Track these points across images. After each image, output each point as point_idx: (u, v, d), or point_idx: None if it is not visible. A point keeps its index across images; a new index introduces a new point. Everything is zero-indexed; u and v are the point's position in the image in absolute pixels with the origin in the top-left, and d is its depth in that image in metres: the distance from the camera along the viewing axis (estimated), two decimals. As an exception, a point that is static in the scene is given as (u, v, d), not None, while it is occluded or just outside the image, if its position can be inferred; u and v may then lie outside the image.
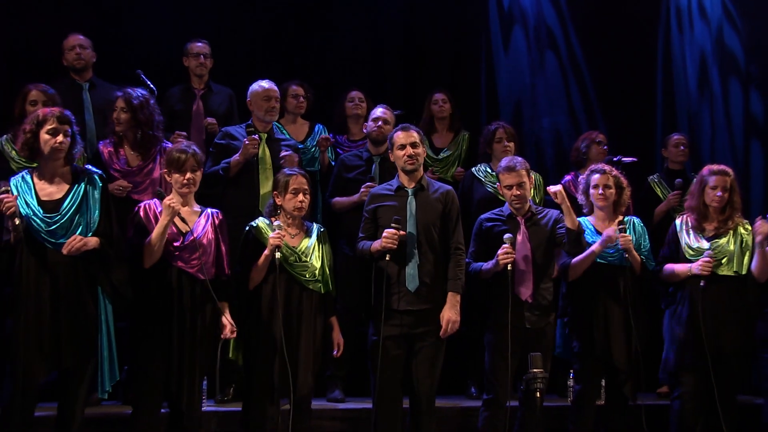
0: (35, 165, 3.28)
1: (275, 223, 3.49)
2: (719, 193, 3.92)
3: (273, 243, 3.40)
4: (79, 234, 3.14)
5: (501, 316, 3.69)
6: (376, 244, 3.54)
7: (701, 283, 3.91)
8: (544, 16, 6.11)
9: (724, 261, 3.91)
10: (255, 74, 4.47)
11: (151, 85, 4.33)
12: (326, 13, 5.68)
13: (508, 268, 3.63)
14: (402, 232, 3.50)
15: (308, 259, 3.54)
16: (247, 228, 3.58)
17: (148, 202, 3.45)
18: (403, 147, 3.65)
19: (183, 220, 3.28)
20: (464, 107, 5.41)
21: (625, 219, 3.98)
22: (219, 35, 5.14)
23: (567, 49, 6.11)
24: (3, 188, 3.07)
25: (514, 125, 5.13)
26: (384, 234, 3.49)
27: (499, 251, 3.63)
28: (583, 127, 5.72)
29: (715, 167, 4.08)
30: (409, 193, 3.65)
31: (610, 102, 6.07)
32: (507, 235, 3.67)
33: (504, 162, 3.90)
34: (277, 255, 3.38)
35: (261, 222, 3.56)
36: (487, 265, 3.72)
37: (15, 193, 3.15)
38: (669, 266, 3.99)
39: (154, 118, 3.90)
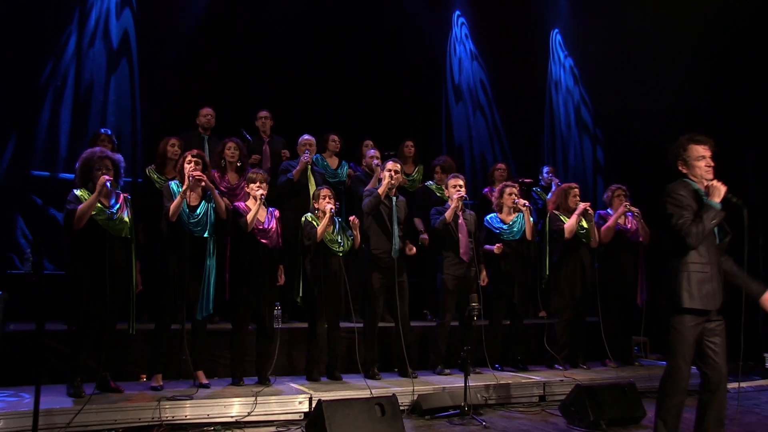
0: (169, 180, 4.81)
1: (327, 206, 5.04)
2: (580, 198, 6.07)
3: (328, 210, 5.01)
4: (205, 229, 4.63)
5: (449, 270, 5.53)
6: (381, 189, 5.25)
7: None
8: (476, 85, 8.86)
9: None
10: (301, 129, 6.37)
11: (249, 138, 6.13)
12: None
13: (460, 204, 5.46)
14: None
15: (337, 239, 5.14)
16: (303, 219, 5.18)
17: (240, 203, 4.99)
18: (390, 170, 5.35)
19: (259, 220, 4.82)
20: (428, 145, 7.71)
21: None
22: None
23: (488, 106, 8.87)
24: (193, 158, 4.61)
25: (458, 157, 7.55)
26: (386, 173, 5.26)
27: (454, 196, 5.44)
28: (499, 157, 8.35)
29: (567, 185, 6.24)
30: (394, 200, 5.39)
31: (514, 141, 8.82)
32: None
33: (452, 174, 5.79)
34: (331, 212, 5.00)
35: (310, 215, 5.22)
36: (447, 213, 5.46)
37: (176, 189, 4.63)
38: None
39: (245, 157, 5.74)
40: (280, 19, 7.64)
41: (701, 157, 3.51)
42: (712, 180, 3.49)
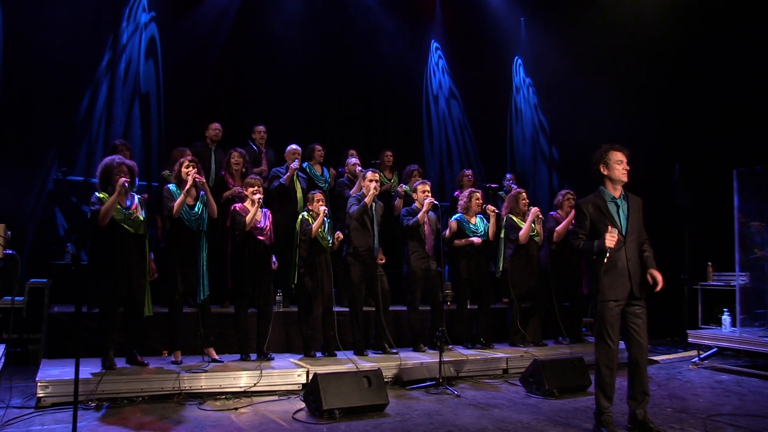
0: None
1: (321, 208, 5.57)
2: (529, 202, 6.74)
3: (322, 211, 5.54)
4: (200, 224, 5.07)
5: (417, 262, 6.08)
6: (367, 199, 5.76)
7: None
8: (451, 104, 9.52)
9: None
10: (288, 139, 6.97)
11: (255, 148, 6.70)
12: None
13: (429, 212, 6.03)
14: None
15: (327, 236, 5.68)
16: (300, 217, 5.67)
17: (239, 204, 5.48)
18: (372, 181, 5.86)
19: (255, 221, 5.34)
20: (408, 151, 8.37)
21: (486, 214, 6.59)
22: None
23: (459, 121, 9.50)
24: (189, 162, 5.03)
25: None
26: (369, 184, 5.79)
27: (426, 201, 5.97)
28: (465, 164, 9.07)
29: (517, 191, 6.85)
30: (373, 205, 5.93)
31: (483, 151, 9.46)
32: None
33: (420, 180, 6.38)
34: (324, 213, 5.51)
35: (306, 214, 5.73)
36: (419, 215, 6.00)
37: (174, 190, 5.06)
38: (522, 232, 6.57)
39: (248, 163, 6.34)
40: (279, 44, 8.26)
41: (620, 161, 3.96)
42: (626, 179, 3.98)
